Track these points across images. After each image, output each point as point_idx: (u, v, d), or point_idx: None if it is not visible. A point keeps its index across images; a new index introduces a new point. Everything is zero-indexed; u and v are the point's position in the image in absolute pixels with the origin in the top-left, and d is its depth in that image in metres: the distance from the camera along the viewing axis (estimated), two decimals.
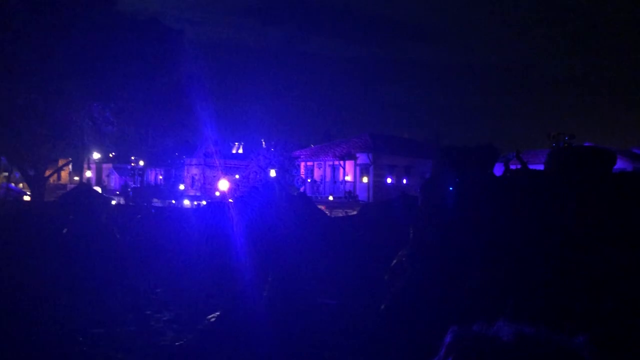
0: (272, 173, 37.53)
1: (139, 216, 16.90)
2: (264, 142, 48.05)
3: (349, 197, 40.08)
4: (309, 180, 44.78)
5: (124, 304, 10.87)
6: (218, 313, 5.51)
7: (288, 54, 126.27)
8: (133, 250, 13.83)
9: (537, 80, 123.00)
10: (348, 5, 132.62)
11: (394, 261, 9.15)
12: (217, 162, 47.30)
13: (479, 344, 4.85)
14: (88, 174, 46.62)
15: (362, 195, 40.76)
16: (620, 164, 25.04)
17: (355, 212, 19.66)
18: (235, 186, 40.94)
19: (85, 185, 30.76)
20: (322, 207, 31.56)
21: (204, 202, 30.27)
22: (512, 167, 11.23)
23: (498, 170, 11.13)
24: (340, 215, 24.12)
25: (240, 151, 58.57)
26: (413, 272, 8.51)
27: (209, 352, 5.72)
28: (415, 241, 9.46)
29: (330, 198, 40.18)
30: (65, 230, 13.73)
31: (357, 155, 42.54)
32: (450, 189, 10.28)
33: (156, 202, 39.09)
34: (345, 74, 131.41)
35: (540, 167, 10.79)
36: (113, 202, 36.54)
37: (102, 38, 31.03)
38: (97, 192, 21.00)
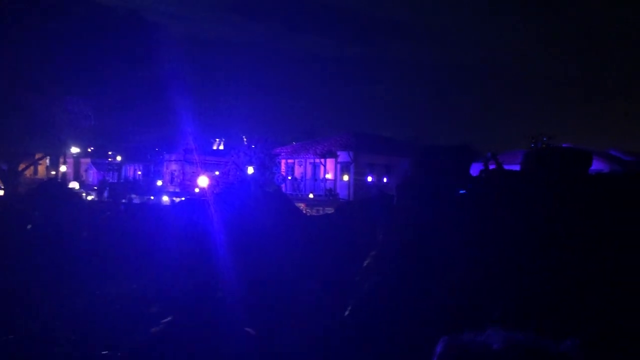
0: (250, 170, 37.30)
1: (108, 213, 16.51)
2: (245, 139, 47.75)
3: (329, 195, 40.03)
4: (289, 178, 44.58)
5: (67, 308, 10.31)
6: (169, 318, 4.91)
7: (271, 50, 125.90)
8: (99, 249, 13.39)
9: (520, 82, 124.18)
10: (331, 4, 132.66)
11: (367, 261, 8.97)
12: (197, 159, 46.88)
13: (470, 353, 4.74)
14: (63, 168, 45.88)
15: (343, 194, 40.71)
16: (598, 166, 25.21)
17: (332, 210, 19.48)
18: (215, 183, 40.61)
19: (55, 180, 30.23)
20: (302, 205, 31.46)
21: (178, 199, 29.94)
22: (491, 167, 11.13)
23: (475, 170, 11.01)
24: (316, 213, 23.98)
25: (222, 147, 58.18)
26: (383, 274, 8.34)
27: None
28: (386, 242, 9.28)
29: (311, 196, 40.14)
30: (29, 227, 13.34)
31: (338, 153, 42.46)
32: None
33: (135, 198, 38.61)
34: (328, 72, 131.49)
35: (518, 167, 10.71)
36: (89, 198, 36.05)
37: (79, 30, 30.55)
38: (66, 186, 20.57)
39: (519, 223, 8.92)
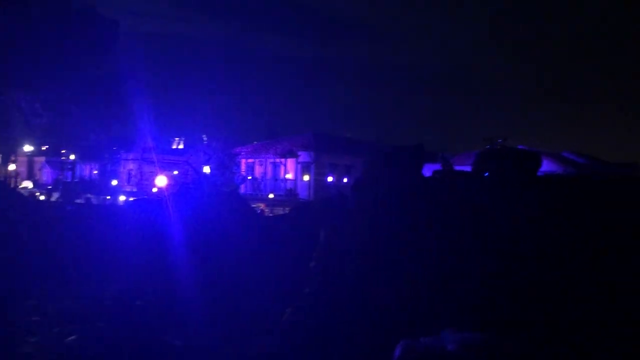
0: (206, 170, 36.74)
1: (55, 214, 15.87)
2: (205, 138, 47.03)
3: (289, 195, 39.82)
4: (249, 178, 44.19)
5: None
6: (74, 337, 4.47)
7: (232, 49, 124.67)
8: (41, 252, 12.77)
9: (481, 85, 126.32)
10: (293, 3, 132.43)
11: (312, 263, 8.80)
12: (155, 158, 45.91)
13: (428, 356, 4.70)
14: (12, 167, 44.30)
15: (303, 194, 40.59)
16: (552, 167, 25.75)
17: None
18: (174, 182, 39.83)
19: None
20: (262, 205, 31.11)
21: (131, 199, 29.28)
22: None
23: (428, 171, 11.01)
24: (270, 214, 23.79)
25: (181, 146, 57.21)
26: (329, 274, 8.20)
27: None
28: (331, 244, 9.14)
29: (271, 196, 39.81)
30: None
31: (299, 153, 42.33)
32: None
33: (91, 198, 37.58)
34: (290, 72, 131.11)
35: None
36: (42, 197, 34.88)
37: (30, 24, 29.53)
38: (11, 186, 19.71)
39: (471, 223, 8.92)
